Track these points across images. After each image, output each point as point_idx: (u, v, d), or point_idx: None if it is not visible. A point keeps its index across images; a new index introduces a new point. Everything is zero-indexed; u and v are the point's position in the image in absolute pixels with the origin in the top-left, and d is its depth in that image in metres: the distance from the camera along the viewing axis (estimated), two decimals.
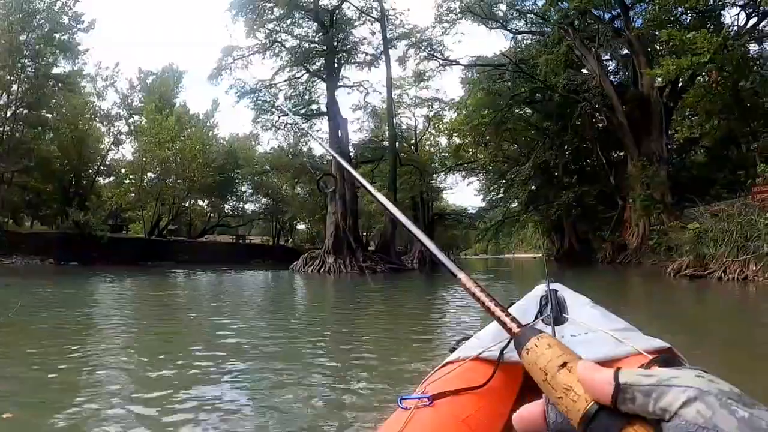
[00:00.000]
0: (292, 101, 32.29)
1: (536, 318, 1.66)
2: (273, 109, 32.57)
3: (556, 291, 1.79)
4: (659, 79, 23.85)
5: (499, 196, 45.88)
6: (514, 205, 41.47)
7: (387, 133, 30.86)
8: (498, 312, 0.60)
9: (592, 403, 0.43)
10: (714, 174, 27.85)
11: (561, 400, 0.46)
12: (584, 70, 29.32)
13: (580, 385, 0.45)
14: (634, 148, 26.49)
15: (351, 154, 29.70)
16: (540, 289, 1.89)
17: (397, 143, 31.15)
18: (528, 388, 1.36)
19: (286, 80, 29.88)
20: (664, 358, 0.66)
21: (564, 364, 0.48)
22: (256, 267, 27.60)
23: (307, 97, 31.76)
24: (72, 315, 7.34)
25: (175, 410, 2.92)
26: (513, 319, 0.58)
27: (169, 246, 35.20)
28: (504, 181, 41.82)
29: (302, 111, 31.77)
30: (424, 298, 10.77)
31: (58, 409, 2.85)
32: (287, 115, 32.65)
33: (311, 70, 29.19)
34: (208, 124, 45.63)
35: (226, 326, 6.44)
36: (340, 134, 23.97)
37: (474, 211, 47.05)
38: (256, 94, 31.31)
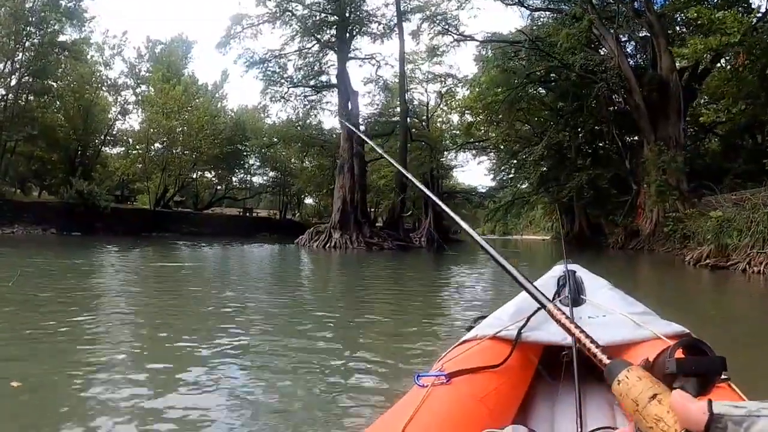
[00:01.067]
0: (302, 72, 31.65)
1: (554, 298, 1.62)
2: (282, 80, 31.98)
3: (575, 272, 1.77)
4: (683, 61, 23.03)
5: (510, 176, 45.38)
6: (524, 186, 40.81)
7: (398, 107, 30.19)
8: (586, 341, 0.64)
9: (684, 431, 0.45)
10: (728, 163, 27.29)
11: (652, 430, 0.49)
12: (601, 51, 28.43)
13: (670, 416, 0.48)
14: (651, 132, 25.80)
15: (361, 127, 29.13)
16: (558, 270, 1.89)
17: (408, 118, 30.51)
18: (544, 368, 1.41)
19: (296, 51, 29.15)
20: (690, 342, 0.64)
21: (654, 396, 0.51)
22: (261, 240, 27.28)
23: (317, 68, 31.06)
24: (66, 287, 7.08)
25: (180, 385, 2.87)
26: (603, 351, 0.62)
27: (174, 217, 34.97)
28: (515, 161, 41.26)
29: (312, 82, 31.14)
30: (433, 278, 10.45)
31: (64, 379, 2.88)
32: (297, 86, 32.04)
33: (322, 40, 28.45)
34: (216, 95, 45.35)
35: (227, 302, 6.23)
36: (350, 106, 23.37)
37: (484, 191, 46.43)
38: (265, 65, 30.67)
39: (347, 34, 27.40)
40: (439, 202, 1.18)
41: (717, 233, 12.19)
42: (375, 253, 18.68)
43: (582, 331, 0.68)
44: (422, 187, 1.45)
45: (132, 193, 42.79)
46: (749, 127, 30.17)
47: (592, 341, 0.65)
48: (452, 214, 1.17)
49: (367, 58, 30.13)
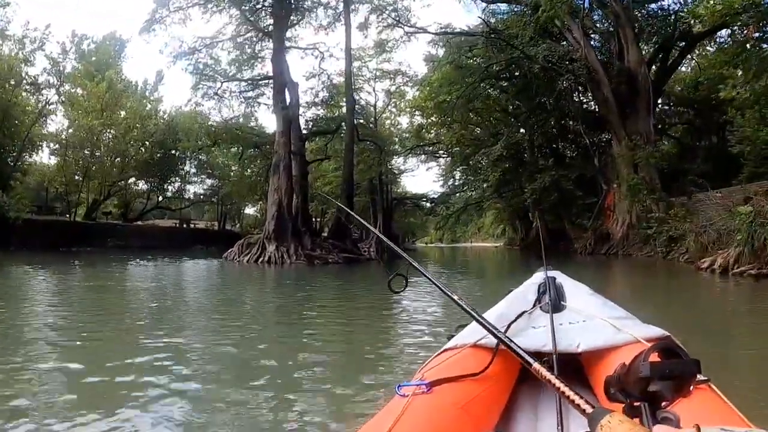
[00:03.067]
0: (237, 65, 27.98)
1: (534, 305, 1.65)
2: (215, 74, 28.15)
3: (555, 278, 1.78)
4: (697, 25, 20.79)
5: (460, 182, 43.44)
6: (481, 189, 38.73)
7: (345, 105, 26.89)
8: (569, 393, 0.67)
9: None
10: (686, 164, 26.21)
11: None
12: (564, 43, 26.44)
13: None
14: (621, 128, 23.85)
15: (302, 124, 25.61)
16: (538, 277, 1.88)
17: (355, 118, 27.32)
18: (526, 375, 1.36)
19: (229, 38, 25.40)
20: (663, 346, 0.68)
21: None
22: (192, 254, 23.79)
23: (253, 59, 27.49)
24: None
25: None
26: (586, 401, 0.64)
27: (99, 230, 31.31)
28: (470, 164, 39.26)
29: (247, 75, 27.55)
30: (383, 300, 7.37)
31: None
32: (231, 80, 28.29)
33: (259, 26, 24.85)
34: (151, 97, 41.60)
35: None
36: (289, 98, 19.81)
37: (436, 196, 43.84)
38: (196, 56, 26.74)
39: (286, 20, 23.89)
40: (387, 240, 1.41)
41: (750, 233, 9.59)
42: (317, 269, 15.15)
43: (564, 384, 0.71)
44: (369, 226, 1.73)
45: (68, 205, 37.82)
46: (706, 129, 29.58)
47: (574, 392, 0.68)
48: (399, 251, 1.49)
49: (310, 49, 26.78)
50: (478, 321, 1.11)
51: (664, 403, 0.66)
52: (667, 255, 17.42)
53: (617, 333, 1.34)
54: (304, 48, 26.39)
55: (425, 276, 1.29)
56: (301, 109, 28.23)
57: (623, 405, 0.68)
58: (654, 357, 0.65)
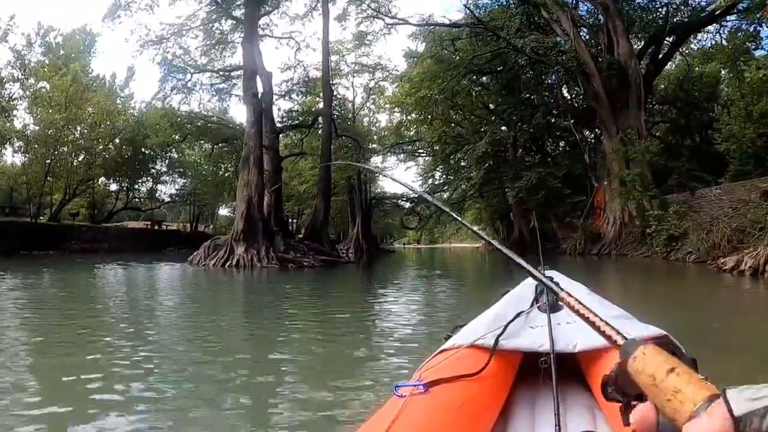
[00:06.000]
0: (207, 55, 26.23)
1: (532, 305, 1.65)
2: (185, 66, 26.30)
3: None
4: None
5: (440, 182, 42.31)
6: (462, 188, 37.63)
7: (322, 100, 25.27)
8: (603, 325, 0.67)
9: (701, 402, 0.47)
10: (670, 162, 25.66)
11: (669, 402, 0.50)
12: (552, 36, 25.43)
13: (689, 386, 0.50)
14: (612, 123, 22.88)
15: (276, 116, 23.91)
16: None
17: (333, 110, 25.76)
18: (524, 375, 1.39)
19: (200, 25, 23.58)
20: (659, 344, 0.65)
21: (672, 369, 0.53)
22: (161, 257, 21.83)
23: (225, 51, 25.77)
24: None
25: None
26: (618, 332, 0.65)
27: (63, 231, 29.26)
28: (448, 165, 38.21)
29: (219, 66, 25.80)
30: (364, 310, 6.44)
31: None
32: (202, 71, 26.49)
33: (230, 13, 23.10)
34: (122, 94, 39.79)
35: None
36: (261, 87, 18.04)
37: (416, 196, 42.37)
38: (164, 45, 24.84)
39: (259, 6, 22.13)
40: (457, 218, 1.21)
41: None
42: (292, 273, 13.46)
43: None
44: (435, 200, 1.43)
45: (33, 206, 35.43)
46: (689, 128, 29.24)
47: (602, 320, 0.69)
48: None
49: (285, 38, 25.07)
50: (520, 264, 0.95)
51: None
52: (668, 255, 16.51)
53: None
54: (279, 37, 24.64)
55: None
56: (276, 102, 26.61)
57: (620, 404, 0.66)
58: None
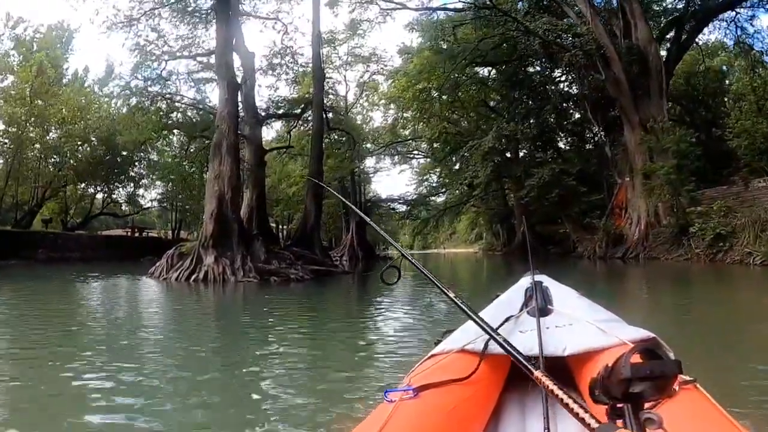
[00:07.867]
0: (182, 40, 23.60)
1: (521, 309, 1.63)
2: (161, 52, 23.61)
3: (541, 282, 1.76)
4: None
5: (437, 184, 40.10)
6: (461, 190, 35.50)
7: (312, 86, 22.72)
8: (574, 406, 0.66)
9: None
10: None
11: None
12: (565, 20, 23.27)
13: None
14: (634, 112, 20.66)
15: (258, 99, 21.27)
16: (525, 281, 1.87)
17: (325, 98, 23.23)
18: (513, 379, 1.35)
19: (173, 2, 21.00)
20: (645, 347, 0.69)
21: None
22: (134, 267, 18.66)
23: (204, 37, 23.17)
24: None
25: None
26: (591, 416, 0.64)
27: (28, 240, 26.94)
28: (446, 166, 36.14)
29: (197, 51, 23.29)
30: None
31: None
32: (177, 58, 23.89)
33: None
34: (101, 92, 36.05)
35: None
36: (240, 65, 15.32)
37: (413, 198, 40.02)
38: (135, 28, 22.09)
39: None
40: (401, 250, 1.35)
41: None
42: (274, 290, 10.61)
43: (568, 396, 0.70)
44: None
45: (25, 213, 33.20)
46: (695, 125, 27.67)
47: (578, 404, 0.67)
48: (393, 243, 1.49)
49: (270, 19, 22.45)
50: (472, 318, 1.08)
51: (647, 404, 0.66)
52: (715, 256, 14.39)
53: (603, 336, 1.31)
54: (263, 17, 22.01)
55: (420, 270, 1.27)
56: (260, 92, 24.05)
57: (607, 407, 0.68)
58: (637, 358, 0.65)
